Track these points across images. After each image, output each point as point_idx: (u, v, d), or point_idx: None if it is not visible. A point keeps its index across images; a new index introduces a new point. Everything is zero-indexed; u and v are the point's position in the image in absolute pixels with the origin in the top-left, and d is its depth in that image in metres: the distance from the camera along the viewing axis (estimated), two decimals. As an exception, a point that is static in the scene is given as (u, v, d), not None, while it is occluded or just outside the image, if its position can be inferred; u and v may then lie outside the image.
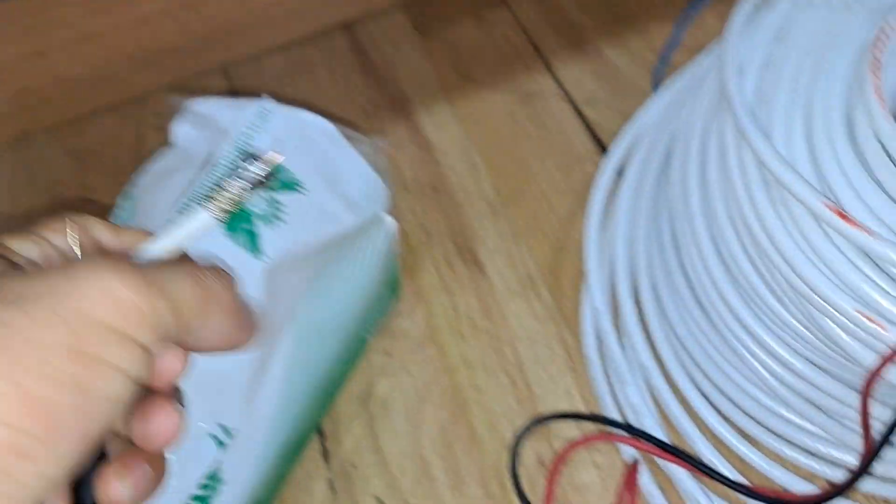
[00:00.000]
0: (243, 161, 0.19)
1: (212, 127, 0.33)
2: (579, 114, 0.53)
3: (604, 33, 0.57)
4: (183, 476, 0.32)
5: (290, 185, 0.31)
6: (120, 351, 0.16)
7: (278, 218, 0.30)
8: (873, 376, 0.29)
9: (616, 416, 0.40)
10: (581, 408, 0.41)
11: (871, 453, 0.31)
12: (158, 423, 0.19)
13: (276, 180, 0.30)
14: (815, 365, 0.34)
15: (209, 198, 0.19)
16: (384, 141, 0.35)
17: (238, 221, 0.29)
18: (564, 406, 0.41)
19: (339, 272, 0.36)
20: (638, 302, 0.42)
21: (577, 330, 0.43)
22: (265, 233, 0.30)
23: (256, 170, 0.19)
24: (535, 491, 0.38)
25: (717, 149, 0.34)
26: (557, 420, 0.40)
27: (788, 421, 0.37)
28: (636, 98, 0.50)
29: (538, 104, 0.54)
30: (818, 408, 0.35)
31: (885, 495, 0.36)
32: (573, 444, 0.37)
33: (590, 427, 0.40)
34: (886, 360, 0.28)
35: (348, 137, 0.33)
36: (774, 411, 0.37)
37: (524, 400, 0.42)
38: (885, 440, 0.31)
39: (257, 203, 0.30)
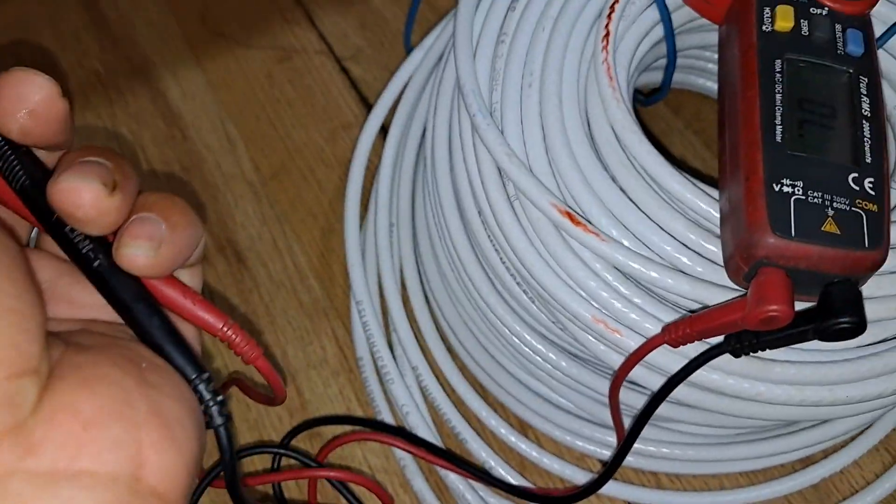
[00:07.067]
0: None
1: None
2: (345, 72, 0.47)
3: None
4: None
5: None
6: None
7: None
8: (617, 379, 0.28)
9: (389, 417, 0.37)
10: (357, 411, 0.38)
11: (623, 446, 0.30)
12: None
13: None
14: (574, 357, 0.33)
15: None
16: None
17: None
18: (340, 411, 0.38)
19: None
20: (405, 290, 0.38)
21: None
22: None
23: None
24: None
25: (459, 136, 0.31)
26: (322, 426, 0.37)
27: (559, 406, 0.36)
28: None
29: (299, 62, 0.48)
30: (583, 395, 0.34)
31: (652, 469, 0.36)
32: (327, 446, 0.34)
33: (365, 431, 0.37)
34: (625, 367, 0.27)
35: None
36: (545, 397, 0.36)
37: (296, 410, 0.38)
38: (636, 431, 0.29)
39: None
